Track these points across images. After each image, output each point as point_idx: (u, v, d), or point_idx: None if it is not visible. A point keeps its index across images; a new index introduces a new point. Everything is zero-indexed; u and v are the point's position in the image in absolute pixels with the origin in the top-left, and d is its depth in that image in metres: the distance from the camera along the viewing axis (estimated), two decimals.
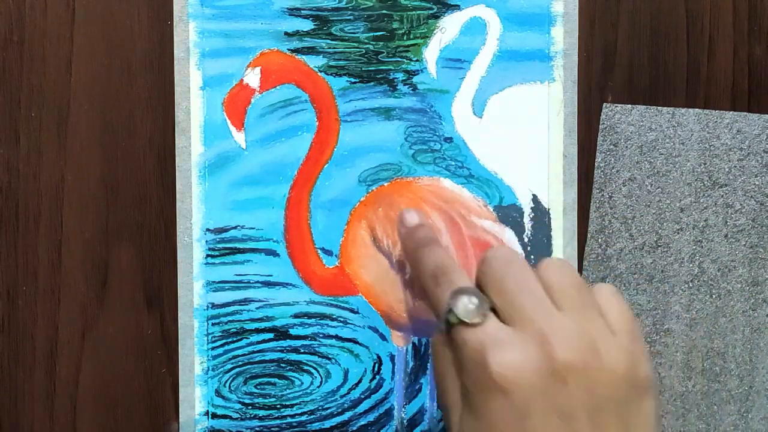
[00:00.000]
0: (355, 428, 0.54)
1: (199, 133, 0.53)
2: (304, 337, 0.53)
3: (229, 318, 0.53)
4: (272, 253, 0.53)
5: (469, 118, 0.54)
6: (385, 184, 0.54)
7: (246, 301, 0.53)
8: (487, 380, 0.38)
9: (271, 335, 0.53)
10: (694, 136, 0.55)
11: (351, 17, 0.53)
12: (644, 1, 0.55)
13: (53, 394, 0.53)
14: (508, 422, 0.38)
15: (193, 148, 0.53)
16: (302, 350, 0.53)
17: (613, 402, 0.39)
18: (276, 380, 0.53)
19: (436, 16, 0.53)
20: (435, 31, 0.53)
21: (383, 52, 0.53)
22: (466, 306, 0.40)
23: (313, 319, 0.53)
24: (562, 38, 0.54)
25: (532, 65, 0.54)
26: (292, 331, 0.53)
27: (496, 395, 0.38)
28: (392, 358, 0.54)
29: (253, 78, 0.53)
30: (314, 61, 0.53)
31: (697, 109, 0.55)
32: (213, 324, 0.53)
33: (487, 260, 0.43)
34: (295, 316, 0.53)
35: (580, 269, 0.55)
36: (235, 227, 0.53)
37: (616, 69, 0.55)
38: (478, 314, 0.40)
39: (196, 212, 0.53)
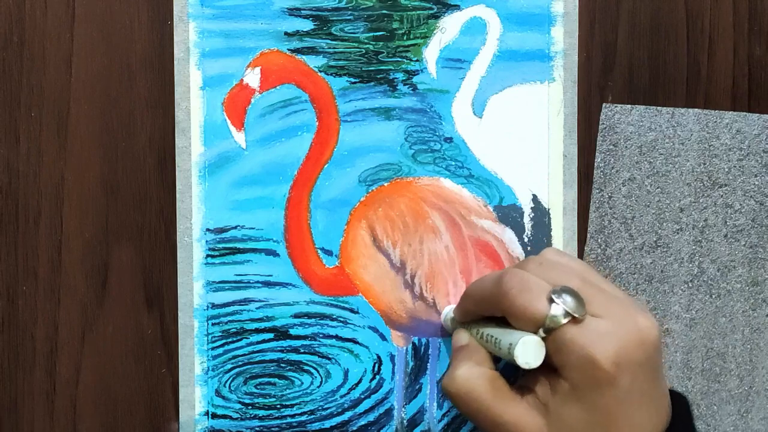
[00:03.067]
0: (355, 428, 0.54)
1: (199, 133, 0.53)
2: (304, 337, 0.53)
3: (229, 318, 0.53)
4: (272, 253, 0.53)
5: (469, 118, 0.54)
6: (385, 184, 0.54)
7: (246, 301, 0.53)
8: (601, 373, 0.42)
9: (271, 335, 0.53)
10: (693, 136, 0.55)
11: (351, 17, 0.53)
12: (644, 1, 0.55)
13: (53, 394, 0.53)
14: (621, 401, 0.43)
15: (193, 148, 0.53)
16: (302, 350, 0.53)
17: None
18: (276, 380, 0.53)
19: (436, 16, 0.53)
20: (435, 31, 0.53)
21: (383, 52, 0.53)
22: (572, 302, 0.43)
23: (313, 319, 0.53)
24: (562, 38, 0.54)
25: (532, 65, 0.54)
26: (292, 331, 0.53)
27: (611, 383, 0.42)
28: (392, 358, 0.54)
29: (253, 78, 0.53)
30: (314, 61, 0.53)
31: (696, 109, 0.55)
32: (213, 324, 0.53)
33: (537, 267, 0.47)
34: (295, 316, 0.53)
35: None
36: (235, 227, 0.53)
37: (616, 69, 0.55)
38: (581, 304, 0.43)
39: (196, 212, 0.53)
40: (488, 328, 0.48)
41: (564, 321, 0.43)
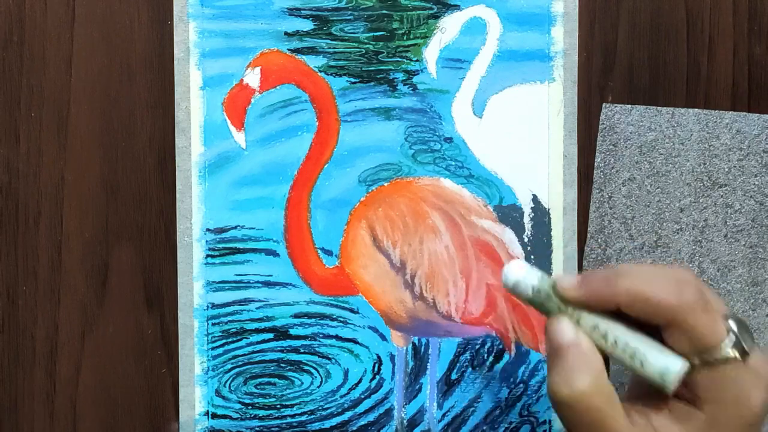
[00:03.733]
0: (355, 428, 0.54)
1: (199, 133, 0.53)
2: (304, 337, 0.53)
3: (229, 318, 0.53)
4: (272, 253, 0.53)
5: (469, 118, 0.54)
6: (385, 184, 0.54)
7: (246, 301, 0.53)
8: (752, 417, 0.39)
9: (271, 335, 0.53)
10: (693, 136, 0.55)
11: (351, 17, 0.53)
12: (644, 1, 0.55)
13: (53, 394, 0.53)
14: None
15: (193, 148, 0.53)
16: (302, 350, 0.53)
17: None
18: (276, 380, 0.53)
19: (436, 16, 0.53)
20: (435, 31, 0.53)
21: (383, 52, 0.53)
22: (747, 335, 0.39)
23: (313, 319, 0.53)
24: (562, 38, 0.54)
25: (532, 65, 0.54)
26: (292, 331, 0.53)
27: (754, 426, 0.39)
28: (392, 358, 0.54)
29: (253, 78, 0.53)
30: (314, 61, 0.53)
31: (696, 109, 0.55)
32: (213, 324, 0.53)
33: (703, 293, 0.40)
34: (295, 316, 0.53)
35: (580, 269, 0.55)
36: (235, 227, 0.53)
37: (616, 69, 0.55)
38: (752, 344, 0.40)
39: (196, 212, 0.53)
40: (624, 335, 0.41)
41: (734, 355, 0.39)
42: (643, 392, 0.41)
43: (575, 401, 0.39)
